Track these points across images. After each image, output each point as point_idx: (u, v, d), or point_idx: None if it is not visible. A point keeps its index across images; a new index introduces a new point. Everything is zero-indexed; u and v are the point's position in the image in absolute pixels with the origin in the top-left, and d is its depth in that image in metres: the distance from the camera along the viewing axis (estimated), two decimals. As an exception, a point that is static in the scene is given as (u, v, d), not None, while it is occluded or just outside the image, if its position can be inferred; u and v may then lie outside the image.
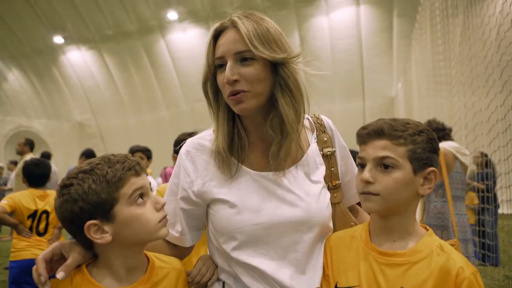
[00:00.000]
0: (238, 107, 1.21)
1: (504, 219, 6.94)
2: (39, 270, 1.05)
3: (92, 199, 1.04)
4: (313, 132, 1.39)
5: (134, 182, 1.09)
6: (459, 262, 1.13)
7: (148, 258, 1.21)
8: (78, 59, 18.43)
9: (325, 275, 1.27)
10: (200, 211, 1.32)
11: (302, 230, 1.24)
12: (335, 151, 1.38)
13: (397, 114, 12.73)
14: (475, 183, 5.96)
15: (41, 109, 20.41)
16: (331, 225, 1.34)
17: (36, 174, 3.87)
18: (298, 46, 14.30)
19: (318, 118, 1.42)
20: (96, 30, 17.11)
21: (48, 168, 3.98)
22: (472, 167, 6.35)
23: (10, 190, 9.78)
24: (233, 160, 1.27)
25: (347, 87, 14.73)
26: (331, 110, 14.31)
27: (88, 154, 6.81)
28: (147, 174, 1.22)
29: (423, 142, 1.18)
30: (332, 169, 1.36)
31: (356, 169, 1.36)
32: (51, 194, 3.91)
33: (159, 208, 1.13)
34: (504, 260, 6.04)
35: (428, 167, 1.19)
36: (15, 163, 10.74)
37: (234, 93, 1.19)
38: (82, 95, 19.30)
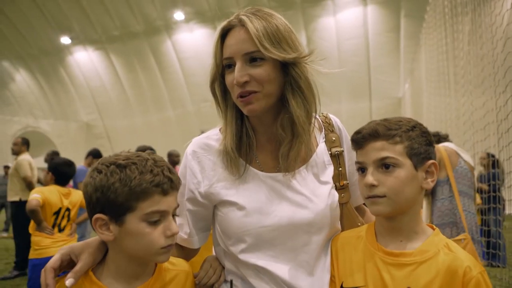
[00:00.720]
0: (247, 108, 1.17)
1: (510, 220, 6.88)
2: (47, 281, 1.02)
3: (110, 196, 1.02)
4: (321, 131, 1.36)
5: (157, 202, 1.05)
6: (466, 261, 1.12)
7: None
8: (84, 59, 18.55)
9: (331, 275, 1.25)
10: (207, 212, 1.29)
11: (311, 232, 1.21)
12: (343, 150, 1.35)
13: (404, 114, 12.68)
14: (479, 184, 5.92)
15: (48, 109, 20.56)
16: (339, 225, 1.32)
17: (68, 173, 4.06)
18: (305, 47, 14.17)
19: (326, 117, 1.39)
20: (103, 31, 17.21)
21: (75, 169, 4.24)
22: (479, 169, 6.31)
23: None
24: (241, 160, 1.25)
25: (353, 88, 14.71)
26: (338, 110, 14.29)
27: (95, 154, 6.84)
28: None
29: (418, 137, 1.17)
30: (340, 169, 1.32)
31: None
32: (73, 192, 4.10)
33: (169, 235, 1.07)
34: (511, 261, 5.99)
35: (427, 160, 1.18)
36: None
37: (244, 95, 1.16)
38: (89, 96, 19.41)
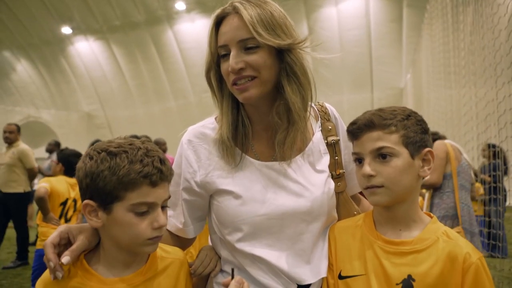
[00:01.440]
0: (243, 95, 1.17)
1: (510, 211, 6.89)
2: (48, 255, 1.03)
3: (99, 184, 1.02)
4: (317, 120, 1.36)
5: (146, 194, 1.03)
6: (466, 248, 1.13)
7: None
8: (86, 49, 18.49)
9: (329, 264, 1.26)
10: (203, 201, 1.29)
11: (308, 220, 1.22)
12: (339, 139, 1.35)
13: (405, 105, 12.50)
14: (482, 176, 5.94)
15: (50, 99, 20.55)
16: (335, 214, 1.32)
17: (75, 164, 4.03)
18: (307, 35, 14.06)
19: (322, 106, 1.39)
20: (104, 21, 17.13)
21: None
22: (481, 160, 6.32)
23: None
24: (237, 150, 1.25)
25: (355, 78, 14.65)
26: (339, 101, 14.25)
27: (97, 145, 6.83)
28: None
29: (414, 125, 1.18)
30: (336, 158, 1.33)
31: None
32: None
33: (156, 227, 1.05)
34: (511, 252, 6.01)
35: (423, 148, 1.19)
36: None
37: (238, 82, 1.16)
38: (90, 86, 19.38)
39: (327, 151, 1.32)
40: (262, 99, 1.21)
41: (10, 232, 8.85)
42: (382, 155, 1.16)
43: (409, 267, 1.13)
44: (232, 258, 1.25)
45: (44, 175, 7.91)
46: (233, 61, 1.14)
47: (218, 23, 1.20)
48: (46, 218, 3.73)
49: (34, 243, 6.65)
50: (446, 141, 4.07)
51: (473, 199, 4.15)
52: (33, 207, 9.53)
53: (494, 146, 5.73)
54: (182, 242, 1.35)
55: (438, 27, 7.39)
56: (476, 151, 5.67)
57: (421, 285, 1.11)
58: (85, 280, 1.06)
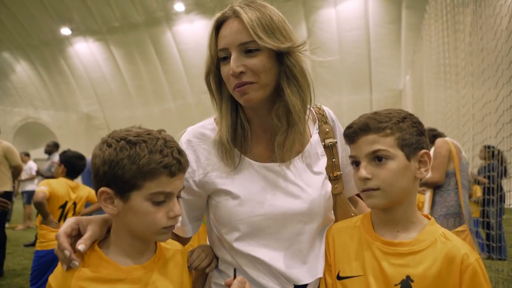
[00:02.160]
0: (244, 98, 1.18)
1: (510, 213, 6.89)
2: (63, 245, 1.02)
3: (118, 172, 1.02)
4: (315, 122, 1.37)
5: (164, 183, 1.05)
6: (463, 249, 1.14)
7: None
8: (85, 50, 18.50)
9: (327, 264, 1.27)
10: (201, 201, 1.30)
11: (305, 221, 1.23)
12: (336, 142, 1.36)
13: (404, 106, 12.66)
14: (479, 178, 5.94)
15: (49, 100, 20.56)
16: (332, 216, 1.34)
17: (79, 166, 4.08)
18: (306, 38, 14.13)
19: (320, 109, 1.41)
20: (103, 22, 17.15)
21: (86, 162, 4.21)
22: (479, 161, 6.33)
23: (22, 181, 9.95)
24: (236, 151, 1.26)
25: (354, 79, 14.68)
26: (338, 102, 14.28)
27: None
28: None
29: (409, 127, 1.19)
30: (334, 160, 1.34)
31: None
32: (81, 186, 4.11)
33: (172, 216, 1.07)
34: (511, 253, 6.01)
35: (419, 150, 1.19)
36: (27, 154, 10.82)
37: (240, 85, 1.17)
38: (89, 87, 19.40)
39: (325, 153, 1.34)
40: (262, 102, 1.22)
41: (10, 233, 8.86)
42: (377, 157, 1.17)
43: (407, 268, 1.14)
44: (230, 258, 1.26)
45: (44, 176, 7.90)
46: (234, 64, 1.15)
47: (218, 27, 1.22)
48: (45, 220, 3.73)
49: (33, 244, 6.66)
50: (447, 138, 4.08)
51: (469, 197, 4.18)
52: (31, 207, 9.56)
53: (490, 147, 5.73)
54: (179, 241, 1.36)
55: (437, 28, 7.40)
56: (471, 151, 5.68)
57: (419, 286, 1.12)
58: (100, 268, 1.06)
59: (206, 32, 1.24)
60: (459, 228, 3.59)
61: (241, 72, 1.16)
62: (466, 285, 1.10)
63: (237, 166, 1.25)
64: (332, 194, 1.32)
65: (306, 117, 1.26)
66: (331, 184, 1.33)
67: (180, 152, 1.10)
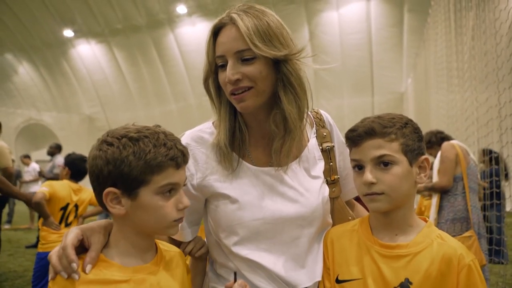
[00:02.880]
0: (240, 105, 1.20)
1: (510, 217, 6.87)
2: (71, 257, 1.00)
3: (124, 170, 1.01)
4: (312, 127, 1.39)
5: (171, 175, 1.05)
6: (459, 249, 1.16)
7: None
8: (87, 52, 18.53)
9: (326, 268, 1.28)
10: (199, 204, 1.30)
11: (303, 225, 1.24)
12: (334, 146, 1.38)
13: (406, 110, 12.66)
14: (480, 182, 5.93)
15: (51, 102, 20.58)
16: (330, 219, 1.34)
17: (83, 169, 4.04)
18: (307, 41, 14.23)
19: (317, 113, 1.41)
20: (106, 24, 17.18)
21: None
22: (480, 166, 6.31)
23: (26, 182, 9.98)
24: (234, 155, 1.27)
25: (356, 82, 14.66)
26: (340, 105, 14.27)
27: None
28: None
29: (411, 133, 1.21)
30: (331, 163, 1.35)
31: None
32: (84, 189, 4.08)
33: (181, 208, 1.08)
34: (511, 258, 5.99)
35: (420, 156, 1.22)
36: (27, 156, 10.84)
37: (236, 92, 1.18)
38: (91, 89, 19.42)
39: (322, 157, 1.35)
40: (260, 108, 1.23)
41: (10, 234, 8.87)
42: (383, 162, 1.18)
43: (406, 270, 1.16)
44: (228, 262, 1.27)
45: (46, 178, 7.92)
46: (230, 72, 1.16)
47: (215, 33, 1.22)
48: (46, 222, 3.74)
49: (35, 245, 6.66)
50: (453, 141, 4.04)
51: (479, 200, 4.14)
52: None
53: (491, 152, 5.72)
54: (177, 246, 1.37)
55: (439, 32, 7.40)
56: (476, 155, 5.67)
57: None
58: (104, 271, 1.04)
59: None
60: (466, 234, 3.58)
61: (238, 80, 1.16)
62: (462, 284, 1.12)
63: (235, 170, 1.26)
64: (330, 198, 1.33)
65: (302, 124, 1.27)
66: (329, 188, 1.33)
67: (182, 144, 1.10)
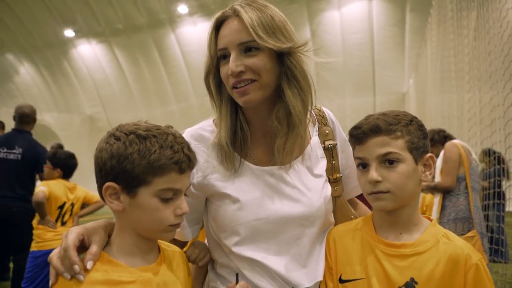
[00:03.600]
0: (243, 99, 1.16)
1: (510, 216, 6.86)
2: (73, 259, 0.97)
3: (127, 167, 0.99)
4: (314, 124, 1.36)
5: (173, 180, 1.02)
6: (466, 249, 1.14)
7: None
8: (88, 52, 18.56)
9: (328, 268, 1.26)
10: (199, 204, 1.28)
11: (305, 225, 1.22)
12: (336, 144, 1.35)
13: (407, 110, 12.60)
14: (481, 182, 5.92)
15: (52, 102, 20.62)
16: (332, 219, 1.32)
17: (73, 166, 4.05)
18: (309, 40, 14.21)
19: (320, 111, 1.39)
20: (107, 24, 17.21)
21: (77, 161, 4.16)
22: (481, 166, 6.30)
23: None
24: (236, 155, 1.24)
25: (357, 82, 14.68)
26: (341, 105, 14.27)
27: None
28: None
29: (416, 131, 1.19)
30: (333, 162, 1.33)
31: None
32: (78, 187, 4.08)
33: (179, 214, 1.05)
34: (512, 257, 5.98)
35: (425, 154, 1.20)
36: None
37: (239, 85, 1.15)
38: (92, 89, 19.45)
39: (324, 156, 1.33)
40: (262, 103, 1.20)
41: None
42: (389, 160, 1.15)
43: (411, 270, 1.13)
44: (229, 262, 1.25)
45: (41, 178, 7.86)
46: (233, 64, 1.14)
47: (218, 26, 1.20)
48: (43, 220, 3.72)
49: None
50: (456, 141, 4.04)
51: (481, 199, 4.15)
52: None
53: (492, 152, 5.70)
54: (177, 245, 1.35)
55: (441, 32, 7.39)
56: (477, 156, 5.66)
57: None
58: (109, 272, 1.02)
59: (209, 34, 1.22)
60: (468, 234, 3.58)
61: (241, 72, 1.14)
62: (469, 284, 1.10)
63: (237, 169, 1.23)
64: (332, 196, 1.30)
65: (307, 119, 1.24)
66: (331, 186, 1.31)
67: (190, 148, 1.07)
